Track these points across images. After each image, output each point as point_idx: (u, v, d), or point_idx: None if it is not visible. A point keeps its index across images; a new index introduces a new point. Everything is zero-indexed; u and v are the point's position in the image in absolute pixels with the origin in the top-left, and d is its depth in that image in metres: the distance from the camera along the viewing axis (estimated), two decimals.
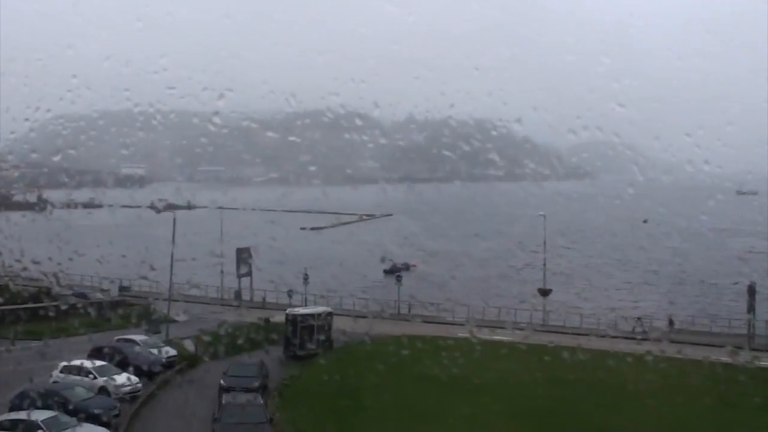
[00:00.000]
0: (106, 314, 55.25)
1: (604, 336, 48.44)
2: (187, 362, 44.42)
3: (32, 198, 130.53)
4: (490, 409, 33.95)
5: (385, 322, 55.34)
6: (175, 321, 55.44)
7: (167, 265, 54.20)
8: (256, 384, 37.00)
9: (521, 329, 52.80)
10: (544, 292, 63.20)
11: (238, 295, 67.94)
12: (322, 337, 47.50)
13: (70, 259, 55.83)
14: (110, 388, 36.23)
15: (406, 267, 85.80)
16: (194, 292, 64.68)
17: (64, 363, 38.12)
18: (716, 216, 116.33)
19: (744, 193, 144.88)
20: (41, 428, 27.61)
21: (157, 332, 49.90)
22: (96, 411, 31.19)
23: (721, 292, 72.07)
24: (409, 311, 62.62)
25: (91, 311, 54.19)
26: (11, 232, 61.45)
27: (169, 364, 43.10)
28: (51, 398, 31.29)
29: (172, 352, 44.86)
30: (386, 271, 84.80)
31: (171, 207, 73.68)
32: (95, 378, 36.81)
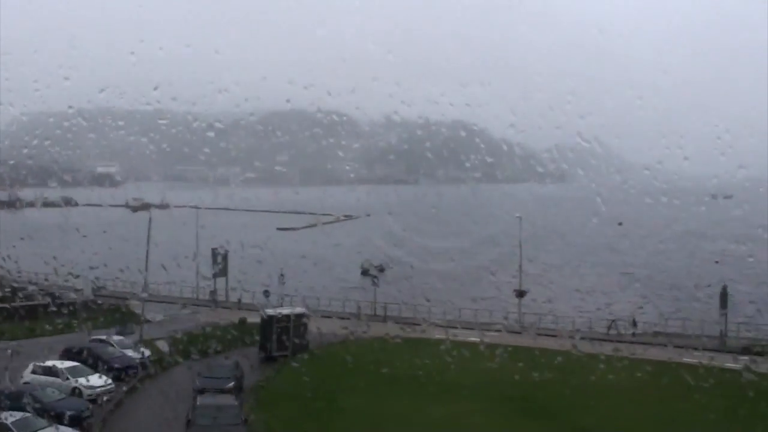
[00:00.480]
0: (80, 314, 54.71)
1: (578, 337, 48.64)
2: (161, 363, 44.05)
3: (3, 197, 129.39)
4: (465, 410, 34.07)
5: (361, 323, 55.32)
6: (149, 321, 55.01)
7: (142, 264, 53.78)
8: (231, 385, 36.80)
9: (497, 330, 52.96)
10: (520, 294, 63.42)
11: (213, 295, 67.54)
12: (297, 339, 47.29)
13: (46, 263, 55.30)
14: (83, 390, 35.87)
15: (382, 268, 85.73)
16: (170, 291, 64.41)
17: (36, 363, 37.69)
18: (691, 219, 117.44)
19: (718, 197, 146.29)
20: (11, 430, 27.25)
21: (131, 333, 49.51)
22: (68, 412, 30.88)
23: (695, 295, 72.64)
24: (385, 312, 62.60)
25: (64, 311, 53.70)
26: None
27: (143, 364, 42.71)
28: (22, 399, 30.88)
29: (146, 352, 44.49)
30: (365, 272, 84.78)
31: (146, 206, 73.19)
32: (67, 379, 36.44)
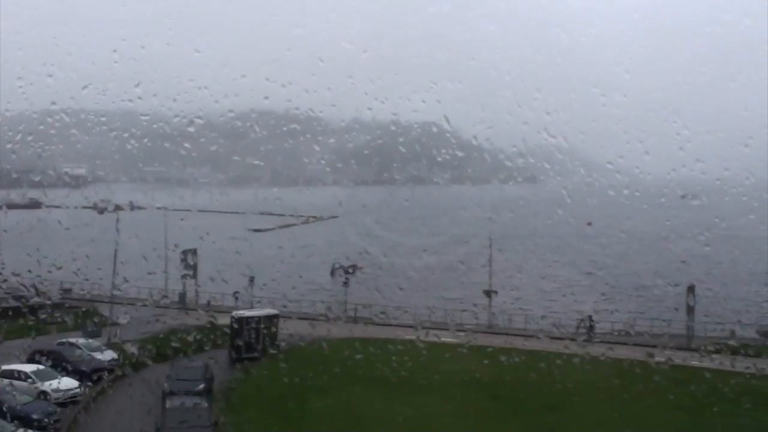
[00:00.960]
0: (47, 317, 54.04)
1: (547, 337, 49.04)
2: (129, 366, 43.68)
3: None
4: (436, 411, 34.22)
5: (331, 325, 55.29)
6: (117, 324, 54.49)
7: (109, 266, 53.37)
8: (201, 387, 36.67)
9: (466, 331, 53.21)
10: (490, 294, 63.80)
11: (182, 297, 67.08)
12: (268, 340, 47.21)
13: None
14: (50, 393, 35.50)
15: (353, 269, 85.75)
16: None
17: (2, 367, 37.24)
18: (660, 219, 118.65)
19: (687, 197, 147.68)
20: None
21: (99, 335, 49.06)
22: (35, 416, 30.59)
23: (662, 295, 73.41)
24: (356, 313, 62.61)
25: (31, 314, 53.04)
26: None
27: (111, 367, 42.38)
28: None
29: (115, 355, 44.14)
30: (333, 273, 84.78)
31: (114, 208, 72.47)
32: (34, 382, 36.08)
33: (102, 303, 59.68)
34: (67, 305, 61.35)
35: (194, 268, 66.93)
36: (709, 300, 61.64)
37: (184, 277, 66.64)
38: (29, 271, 61.01)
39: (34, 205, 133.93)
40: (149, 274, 66.73)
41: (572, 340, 48.28)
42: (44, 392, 35.50)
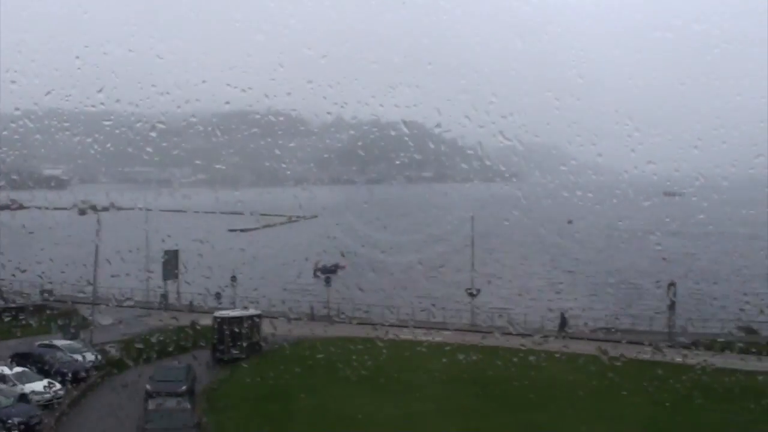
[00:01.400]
0: (27, 318, 53.71)
1: (528, 335, 49.36)
2: (111, 367, 43.47)
3: None
4: (419, 410, 34.31)
5: (314, 325, 55.33)
6: (99, 325, 54.23)
7: (90, 267, 53.07)
8: (183, 388, 36.56)
9: (449, 330, 53.46)
10: (472, 293, 63.94)
11: (164, 298, 66.82)
12: (250, 341, 47.11)
13: None
14: (30, 396, 35.26)
15: (335, 268, 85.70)
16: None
17: None
18: (642, 217, 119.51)
19: (671, 195, 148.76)
20: None
21: (80, 337, 48.74)
22: (16, 419, 30.37)
23: (643, 292, 73.91)
24: (339, 313, 62.60)
25: (10, 315, 52.72)
26: None
27: (93, 369, 42.15)
28: None
29: (96, 357, 43.90)
30: (315, 273, 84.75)
31: (95, 209, 72.03)
32: (14, 385, 35.80)
33: (83, 304, 59.32)
34: (47, 307, 61.05)
35: (176, 268, 66.73)
36: (689, 297, 62.22)
37: (165, 277, 66.40)
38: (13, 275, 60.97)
39: (13, 206, 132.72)
40: (131, 274, 66.50)
41: (545, 337, 48.81)
42: (24, 395, 35.24)
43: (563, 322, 55.67)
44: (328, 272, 79.06)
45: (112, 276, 59.69)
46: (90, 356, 43.55)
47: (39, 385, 36.17)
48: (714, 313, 58.26)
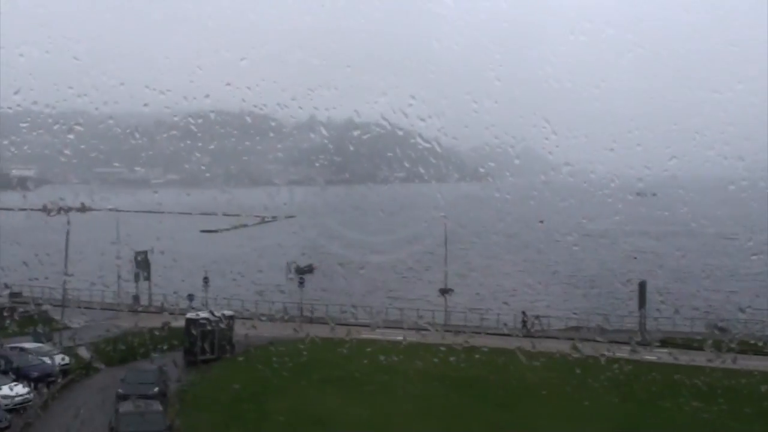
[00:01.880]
0: None
1: (501, 335, 49.60)
2: (82, 370, 43.04)
3: None
4: (391, 411, 34.32)
5: (287, 325, 55.08)
6: (69, 327, 53.60)
7: (60, 269, 52.52)
8: (155, 390, 36.28)
9: (423, 329, 53.46)
10: (445, 292, 64.14)
11: (136, 299, 66.27)
12: (223, 342, 46.90)
13: None
14: None
15: (309, 269, 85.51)
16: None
17: None
18: (614, 216, 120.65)
19: (643, 195, 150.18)
20: None
21: (49, 340, 48.16)
22: None
23: (614, 291, 74.56)
24: (312, 314, 62.43)
25: None
26: None
27: (63, 372, 41.70)
28: None
29: (66, 359, 43.44)
30: (289, 274, 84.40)
31: (64, 210, 71.21)
32: None
33: (54, 306, 58.61)
34: (16, 309, 60.19)
35: (147, 269, 66.23)
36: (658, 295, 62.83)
37: (137, 279, 65.88)
38: None
39: None
40: (102, 276, 65.86)
41: (526, 337, 49.11)
42: None
43: (525, 322, 56.11)
44: (302, 273, 78.77)
45: (82, 278, 59.11)
46: (60, 359, 43.07)
47: (8, 389, 35.69)
48: (684, 311, 58.89)
